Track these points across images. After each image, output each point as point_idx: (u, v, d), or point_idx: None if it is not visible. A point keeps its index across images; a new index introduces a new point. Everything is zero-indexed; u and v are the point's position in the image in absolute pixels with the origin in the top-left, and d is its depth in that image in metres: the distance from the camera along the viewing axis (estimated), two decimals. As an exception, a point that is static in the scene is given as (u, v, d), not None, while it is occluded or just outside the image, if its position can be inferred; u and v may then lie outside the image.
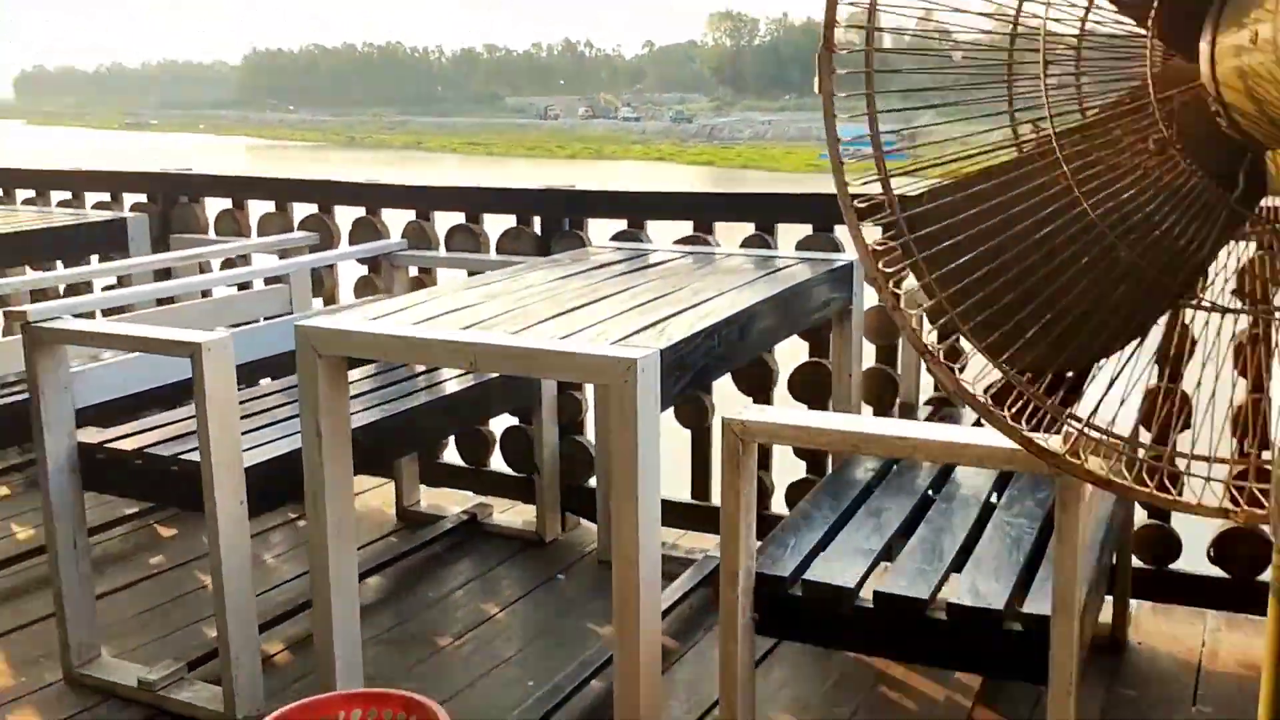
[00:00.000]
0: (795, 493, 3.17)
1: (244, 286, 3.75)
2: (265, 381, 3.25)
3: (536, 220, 3.48)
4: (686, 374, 2.16)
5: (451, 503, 3.72)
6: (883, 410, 3.15)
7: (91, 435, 2.71)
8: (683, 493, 3.36)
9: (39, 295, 3.38)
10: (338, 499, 2.31)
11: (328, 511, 2.29)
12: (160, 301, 3.87)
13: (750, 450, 1.88)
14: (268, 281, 3.72)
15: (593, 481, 3.48)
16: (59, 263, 3.92)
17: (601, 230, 3.46)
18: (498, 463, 3.70)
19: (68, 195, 4.34)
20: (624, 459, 2.00)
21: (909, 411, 3.05)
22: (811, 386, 3.18)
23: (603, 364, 2.01)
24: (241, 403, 2.97)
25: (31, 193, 4.41)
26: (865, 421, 2.10)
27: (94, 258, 3.89)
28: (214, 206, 4.05)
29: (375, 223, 3.71)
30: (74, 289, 3.73)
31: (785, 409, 1.96)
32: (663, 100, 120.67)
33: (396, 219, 3.69)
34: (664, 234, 3.38)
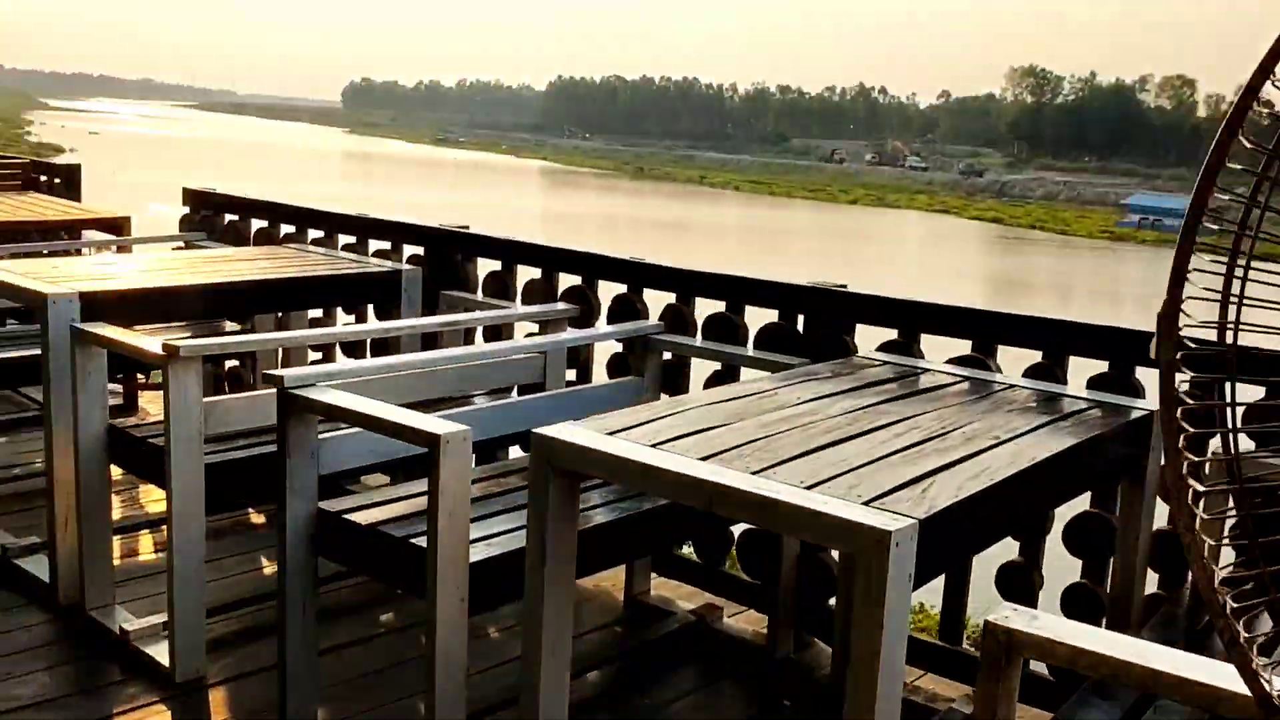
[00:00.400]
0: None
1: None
2: (515, 452, 3.20)
3: (800, 318, 3.28)
4: (948, 547, 1.91)
5: (681, 597, 3.55)
6: (1172, 584, 2.75)
7: (331, 504, 2.71)
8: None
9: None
10: (558, 605, 2.19)
11: (544, 617, 2.17)
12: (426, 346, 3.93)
13: (1016, 664, 1.60)
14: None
15: (833, 601, 3.23)
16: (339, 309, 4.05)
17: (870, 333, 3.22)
18: (733, 563, 3.51)
19: (353, 240, 4.48)
20: (865, 638, 1.77)
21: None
22: (1090, 542, 2.83)
23: (851, 530, 1.79)
24: (477, 481, 2.93)
25: (320, 233, 4.58)
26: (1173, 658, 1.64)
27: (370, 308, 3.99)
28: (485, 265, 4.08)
29: (635, 301, 3.61)
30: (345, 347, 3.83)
31: (1065, 623, 1.66)
32: (953, 152, 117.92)
33: (657, 299, 3.58)
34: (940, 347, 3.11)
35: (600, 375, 3.69)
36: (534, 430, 2.13)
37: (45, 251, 4.86)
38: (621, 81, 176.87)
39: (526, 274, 3.95)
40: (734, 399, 2.51)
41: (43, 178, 6.43)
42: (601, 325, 3.62)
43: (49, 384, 3.23)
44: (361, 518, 2.66)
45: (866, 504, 1.86)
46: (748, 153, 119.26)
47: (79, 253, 5.03)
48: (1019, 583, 2.97)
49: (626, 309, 3.62)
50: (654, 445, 2.11)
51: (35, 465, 4.17)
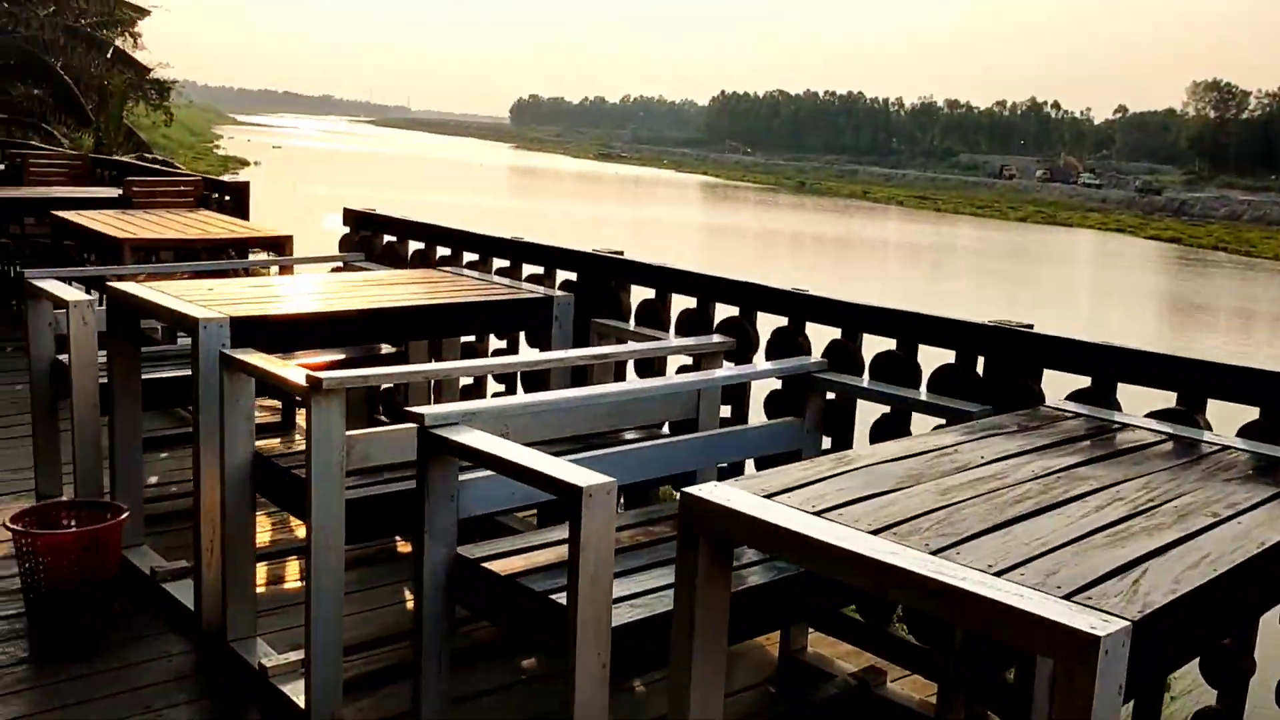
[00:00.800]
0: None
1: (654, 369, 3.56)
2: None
3: (980, 359, 2.99)
4: (1164, 654, 1.62)
5: (841, 656, 3.30)
6: None
7: (470, 549, 2.57)
8: None
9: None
10: (707, 674, 1.99)
11: (692, 686, 1.97)
12: (575, 379, 3.78)
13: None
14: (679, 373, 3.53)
15: (1011, 674, 2.94)
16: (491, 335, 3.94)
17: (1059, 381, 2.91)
18: (899, 622, 3.24)
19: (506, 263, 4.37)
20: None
21: None
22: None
23: (1051, 632, 1.53)
24: (624, 528, 2.76)
25: (475, 256, 4.49)
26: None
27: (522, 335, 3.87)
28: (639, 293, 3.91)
29: (797, 335, 3.38)
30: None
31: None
32: (1129, 169, 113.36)
33: (821, 333, 3.34)
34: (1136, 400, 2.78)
35: (757, 412, 3.48)
36: (684, 490, 1.93)
37: (208, 271, 4.92)
38: (785, 96, 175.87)
39: (682, 303, 3.76)
40: (909, 456, 2.26)
41: (214, 195, 6.58)
42: (760, 361, 3.40)
43: (198, 408, 3.20)
44: (500, 567, 2.51)
45: (1068, 598, 1.59)
46: (913, 168, 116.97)
47: (244, 272, 5.09)
48: (1226, 667, 2.61)
49: (787, 343, 3.39)
50: (817, 513, 1.89)
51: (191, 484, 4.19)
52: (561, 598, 2.30)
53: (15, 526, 3.23)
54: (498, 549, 2.60)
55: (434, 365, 3.06)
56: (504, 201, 58.54)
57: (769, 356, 3.41)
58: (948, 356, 3.06)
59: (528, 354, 3.28)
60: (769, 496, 1.95)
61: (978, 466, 2.21)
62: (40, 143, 20.39)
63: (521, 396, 2.71)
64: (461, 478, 2.54)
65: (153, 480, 4.59)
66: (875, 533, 1.82)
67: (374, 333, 3.63)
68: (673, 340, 3.58)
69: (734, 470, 3.32)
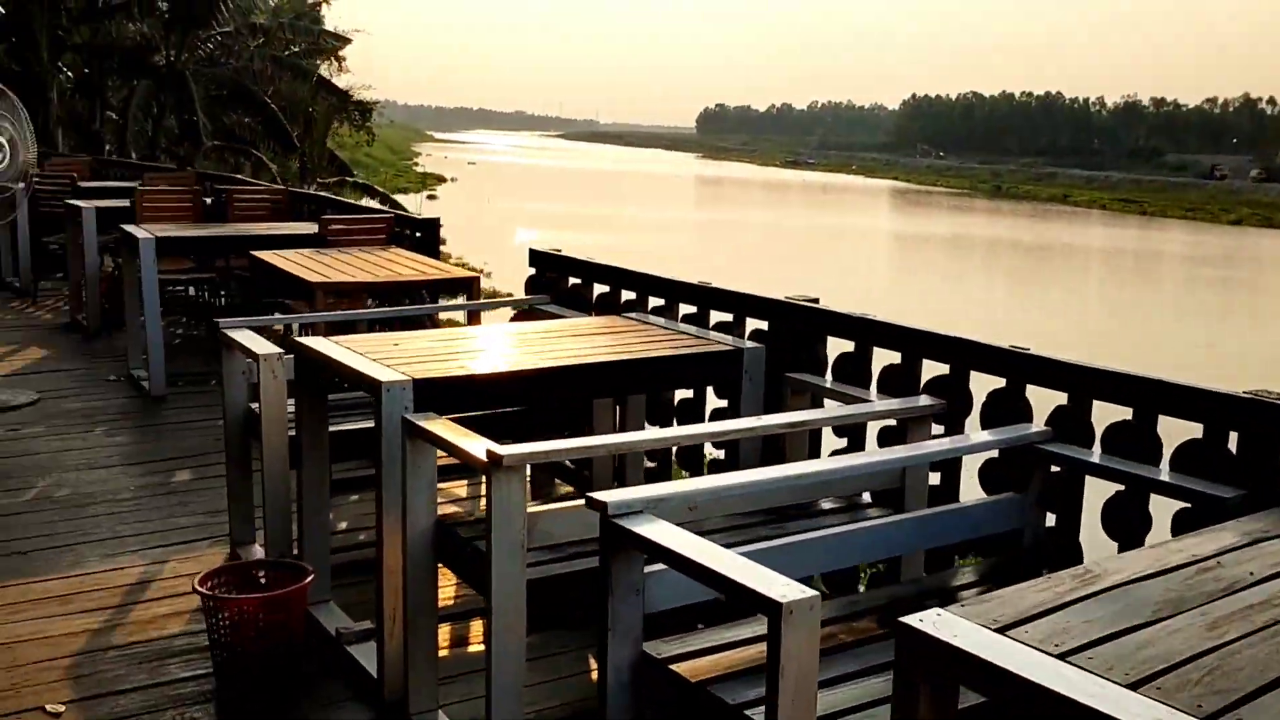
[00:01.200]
0: None
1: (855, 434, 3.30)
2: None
3: (1233, 435, 2.62)
4: None
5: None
6: None
7: (657, 646, 2.38)
8: None
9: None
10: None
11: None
12: (766, 448, 3.56)
13: None
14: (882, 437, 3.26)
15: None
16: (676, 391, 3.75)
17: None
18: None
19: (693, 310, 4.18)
20: None
21: None
22: None
23: None
24: (827, 622, 2.51)
25: (661, 301, 4.31)
26: None
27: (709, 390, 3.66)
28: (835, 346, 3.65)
29: (1017, 399, 3.06)
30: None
31: None
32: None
33: (1044, 397, 3.02)
34: None
35: (969, 483, 3.17)
36: (901, 622, 1.68)
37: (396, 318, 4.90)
38: (978, 98, 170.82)
39: (885, 356, 3.48)
40: (1164, 572, 1.94)
41: (405, 231, 6.64)
42: (975, 429, 3.09)
43: (380, 471, 3.11)
44: (689, 669, 2.31)
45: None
46: (1115, 169, 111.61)
47: (432, 319, 5.07)
48: None
49: (1006, 408, 3.07)
50: (1062, 655, 1.61)
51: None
52: (759, 713, 2.09)
53: (203, 590, 3.22)
54: (687, 646, 2.40)
55: (618, 438, 2.90)
56: (687, 212, 58.72)
57: (985, 422, 3.10)
58: (1194, 430, 2.70)
59: (717, 424, 3.06)
60: (1002, 630, 1.68)
61: (1248, 587, 1.89)
62: (250, 167, 21.47)
63: (710, 479, 2.50)
64: (648, 569, 2.34)
65: (342, 526, 4.59)
66: (1133, 686, 1.53)
67: (558, 390, 3.49)
68: (876, 402, 3.30)
69: (945, 554, 3.03)
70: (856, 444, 3.54)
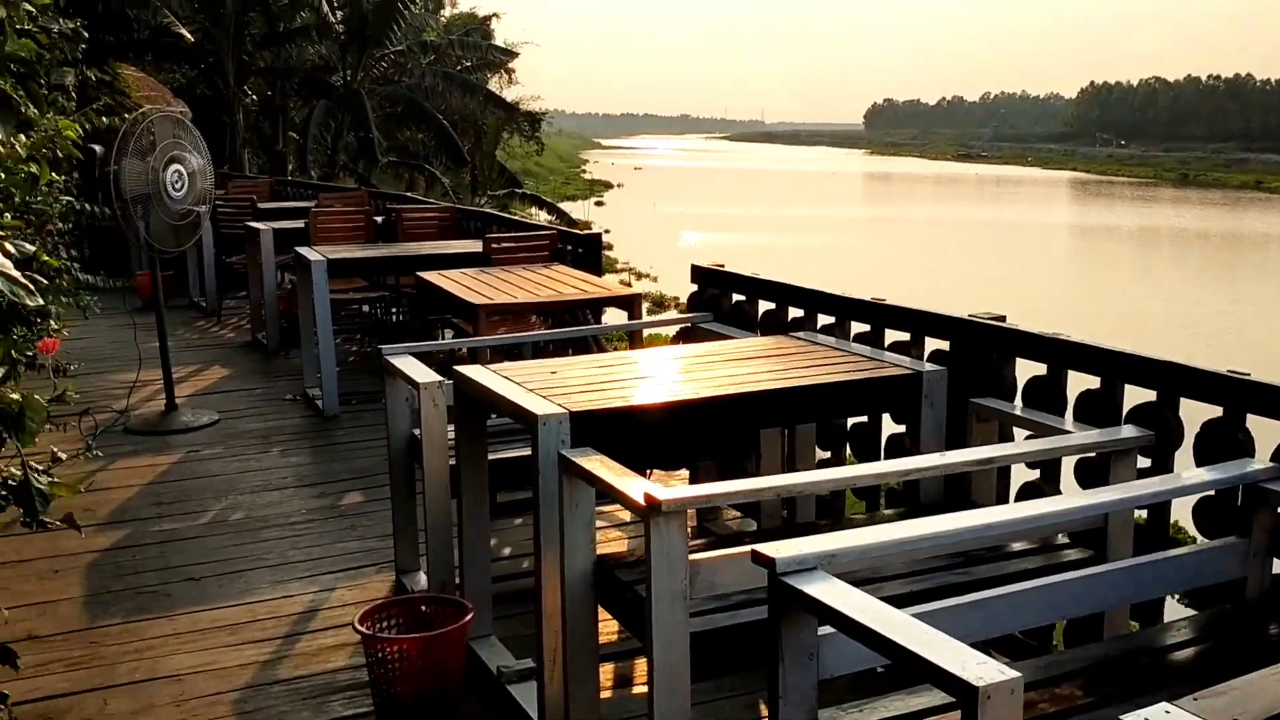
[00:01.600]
0: None
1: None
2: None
3: None
4: None
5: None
6: None
7: (834, 716, 2.17)
8: None
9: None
10: None
11: None
12: (949, 484, 3.30)
13: None
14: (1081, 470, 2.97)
15: None
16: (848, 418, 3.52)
17: None
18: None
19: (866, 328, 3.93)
20: None
21: None
22: None
23: None
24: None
25: (830, 318, 4.08)
26: None
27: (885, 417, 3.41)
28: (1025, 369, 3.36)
29: (1236, 430, 2.72)
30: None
31: None
32: None
33: (1268, 432, 2.68)
34: None
35: (1182, 520, 2.85)
36: (1122, 722, 1.44)
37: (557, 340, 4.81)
38: (1162, 83, 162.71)
39: (1081, 380, 3.17)
40: None
41: (568, 247, 6.57)
42: (1187, 466, 2.76)
43: (538, 506, 2.99)
44: (867, 744, 2.09)
45: None
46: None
47: (595, 341, 4.96)
48: None
49: (1223, 440, 2.74)
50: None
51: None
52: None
53: (363, 629, 3.16)
54: (869, 717, 2.18)
55: (786, 480, 2.68)
56: (854, 209, 57.73)
57: (1199, 456, 2.77)
58: None
59: (896, 463, 2.82)
60: (1242, 735, 1.42)
61: None
62: (423, 182, 22.02)
63: (889, 530, 2.27)
64: (821, 631, 2.14)
65: (506, 551, 4.52)
66: None
67: (721, 421, 3.30)
68: (1073, 434, 2.99)
69: (1154, 605, 2.72)
70: (1050, 476, 3.25)
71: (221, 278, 10.16)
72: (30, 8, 2.83)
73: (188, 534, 4.77)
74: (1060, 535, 3.01)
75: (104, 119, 6.32)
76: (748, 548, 2.56)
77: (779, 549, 2.14)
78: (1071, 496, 2.69)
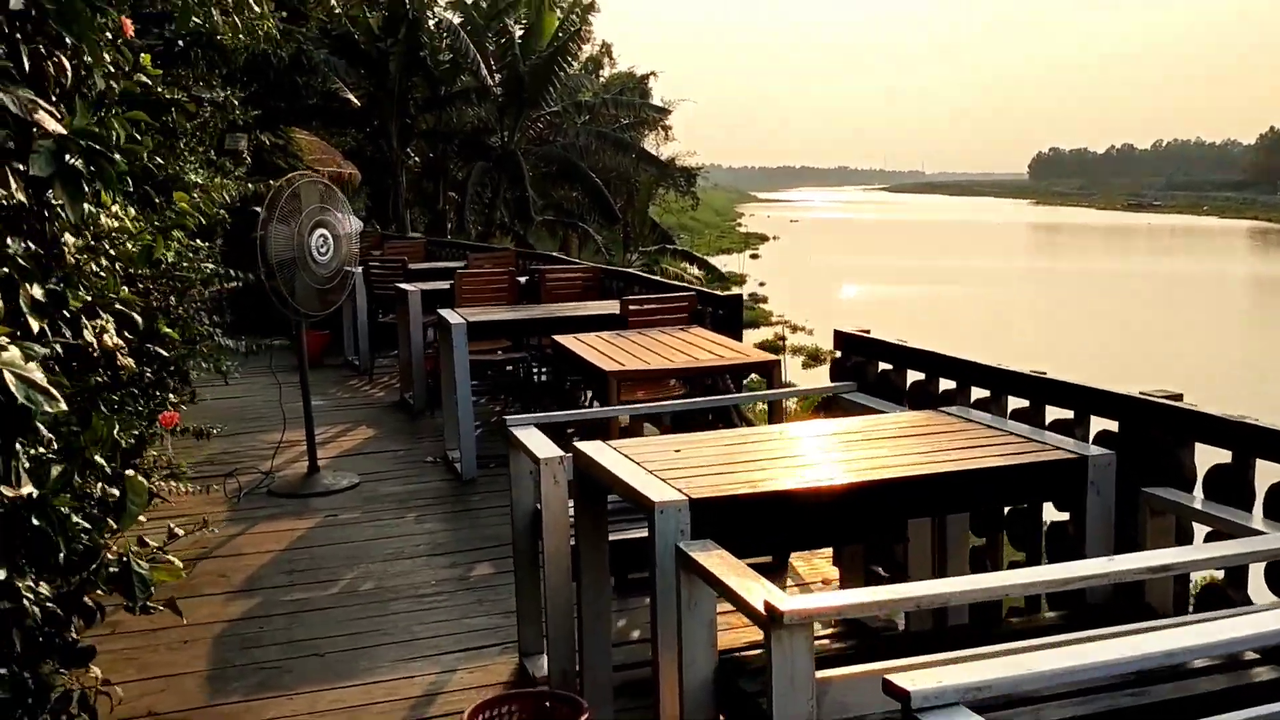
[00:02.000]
0: None
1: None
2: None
3: None
4: None
5: None
6: None
7: None
8: None
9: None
10: None
11: None
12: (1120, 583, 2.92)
13: None
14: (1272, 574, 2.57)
15: None
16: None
17: None
18: None
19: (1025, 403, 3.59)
20: None
21: None
22: None
23: None
24: None
25: (985, 392, 3.74)
26: None
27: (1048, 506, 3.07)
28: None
29: None
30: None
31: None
32: None
33: None
34: None
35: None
36: None
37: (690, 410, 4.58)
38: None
39: (1272, 470, 2.78)
40: None
41: (708, 309, 6.36)
42: None
43: (654, 601, 2.77)
44: None
45: None
46: None
47: (736, 410, 4.71)
48: None
49: None
50: None
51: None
52: None
53: (471, 727, 2.98)
54: None
55: (929, 589, 2.37)
56: (1018, 260, 56.07)
57: None
58: None
59: (1057, 569, 2.47)
60: None
61: None
62: (576, 239, 22.22)
63: (1049, 659, 1.96)
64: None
65: (634, 635, 4.28)
66: None
67: (861, 512, 3.02)
68: (1266, 534, 2.60)
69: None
70: (1236, 580, 2.85)
71: (375, 337, 10.30)
72: (145, 79, 2.79)
73: (317, 604, 4.69)
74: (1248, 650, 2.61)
75: (250, 185, 6.44)
76: (883, 665, 2.29)
77: (915, 680, 1.85)
78: (1267, 614, 2.31)
